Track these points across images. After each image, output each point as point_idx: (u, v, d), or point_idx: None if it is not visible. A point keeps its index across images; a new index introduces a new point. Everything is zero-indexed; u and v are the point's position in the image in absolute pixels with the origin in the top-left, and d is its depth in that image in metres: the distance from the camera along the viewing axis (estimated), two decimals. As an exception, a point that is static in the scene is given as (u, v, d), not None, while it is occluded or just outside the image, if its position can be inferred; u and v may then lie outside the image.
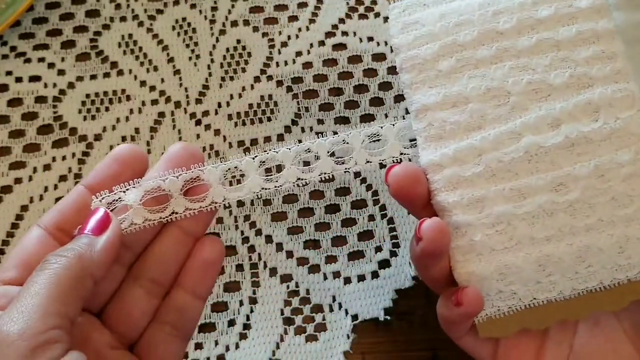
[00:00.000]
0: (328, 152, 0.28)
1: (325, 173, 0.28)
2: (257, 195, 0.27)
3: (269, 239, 0.37)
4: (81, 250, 0.23)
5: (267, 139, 0.39)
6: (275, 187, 0.27)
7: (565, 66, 0.27)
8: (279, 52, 0.41)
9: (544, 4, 0.28)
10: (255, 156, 0.28)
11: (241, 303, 0.36)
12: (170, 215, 0.26)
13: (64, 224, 0.25)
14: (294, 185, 0.28)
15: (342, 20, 0.42)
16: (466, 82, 0.27)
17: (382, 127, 0.29)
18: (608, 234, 0.26)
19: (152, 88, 0.40)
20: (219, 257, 0.27)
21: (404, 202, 0.28)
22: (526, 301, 0.26)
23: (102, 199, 0.26)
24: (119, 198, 0.26)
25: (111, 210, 0.25)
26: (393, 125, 0.29)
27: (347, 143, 0.28)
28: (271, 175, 0.27)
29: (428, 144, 0.28)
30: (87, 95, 0.39)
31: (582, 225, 0.26)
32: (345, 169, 0.28)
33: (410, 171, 0.27)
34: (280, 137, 0.39)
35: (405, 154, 0.29)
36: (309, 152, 0.28)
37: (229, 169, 0.27)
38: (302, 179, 0.28)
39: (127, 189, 0.26)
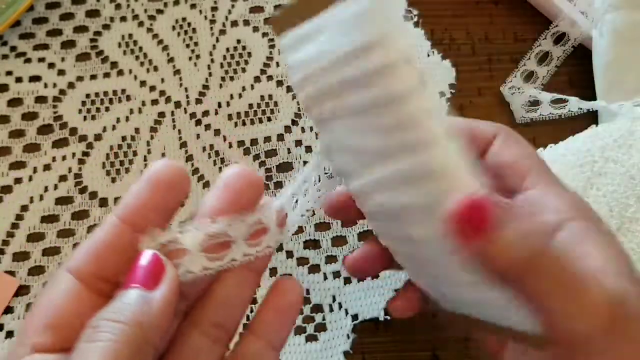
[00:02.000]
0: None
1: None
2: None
3: (269, 239, 0.37)
4: (138, 313, 0.19)
5: (267, 139, 0.39)
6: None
7: None
8: (279, 52, 0.41)
9: None
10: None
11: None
12: (228, 262, 0.22)
13: (102, 271, 0.21)
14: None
15: (342, 21, 0.42)
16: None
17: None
18: None
19: (152, 88, 0.40)
20: (298, 301, 0.24)
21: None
22: None
23: (154, 240, 0.21)
24: (175, 239, 0.21)
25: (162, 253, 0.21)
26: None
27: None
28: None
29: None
30: (87, 95, 0.39)
31: None
32: None
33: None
34: (280, 137, 0.39)
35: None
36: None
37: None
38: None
39: (184, 230, 0.21)
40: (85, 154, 0.38)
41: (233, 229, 0.22)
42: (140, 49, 0.40)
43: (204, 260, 0.21)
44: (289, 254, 0.37)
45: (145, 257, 0.20)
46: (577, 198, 0.24)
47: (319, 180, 0.26)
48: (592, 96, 0.40)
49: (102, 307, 0.20)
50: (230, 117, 0.39)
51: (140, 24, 0.41)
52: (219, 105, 0.40)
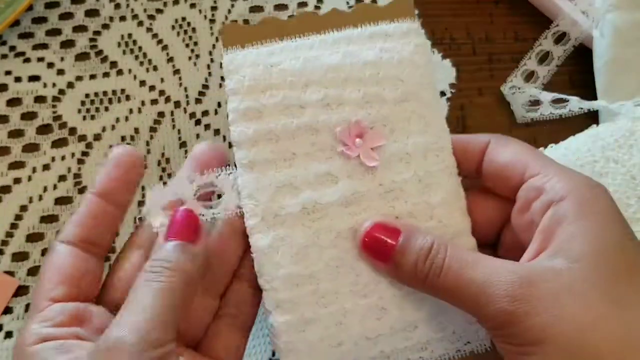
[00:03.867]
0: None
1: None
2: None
3: (268, 239, 0.37)
4: (184, 260, 0.24)
5: (267, 139, 0.39)
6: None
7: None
8: (279, 52, 0.41)
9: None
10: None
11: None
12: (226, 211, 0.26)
13: (89, 235, 0.26)
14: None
15: (342, 20, 0.42)
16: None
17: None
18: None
19: (152, 88, 0.40)
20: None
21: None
22: None
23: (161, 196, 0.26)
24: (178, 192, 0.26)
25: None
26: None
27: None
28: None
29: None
30: (87, 95, 0.39)
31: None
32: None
33: None
34: (280, 137, 0.39)
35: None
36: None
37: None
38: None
39: (187, 182, 0.26)
40: (85, 154, 0.38)
41: (219, 181, 0.26)
42: (140, 48, 0.40)
43: (200, 209, 0.26)
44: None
45: (182, 215, 0.25)
46: (579, 179, 0.25)
47: None
48: (592, 96, 0.40)
49: (95, 264, 0.26)
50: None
51: (140, 23, 0.41)
52: (219, 105, 0.40)
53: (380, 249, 0.26)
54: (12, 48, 0.39)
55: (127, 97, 0.39)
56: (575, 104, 0.39)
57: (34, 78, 0.39)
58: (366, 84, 0.28)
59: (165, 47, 0.40)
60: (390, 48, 0.28)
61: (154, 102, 0.39)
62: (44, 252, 0.36)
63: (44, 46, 0.40)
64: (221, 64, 0.28)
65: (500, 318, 0.22)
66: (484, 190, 0.29)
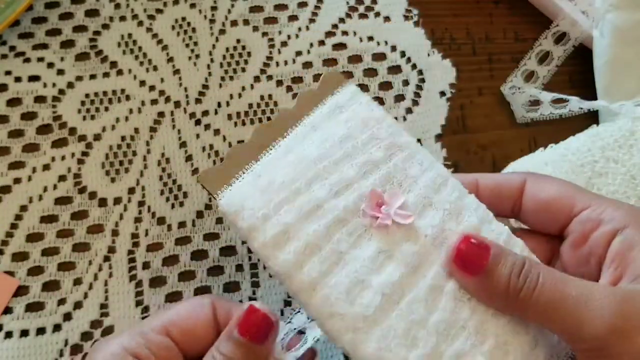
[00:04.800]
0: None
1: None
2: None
3: (268, 239, 0.37)
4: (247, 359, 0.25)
5: (267, 139, 0.39)
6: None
7: None
8: (279, 52, 0.41)
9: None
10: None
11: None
12: None
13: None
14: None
15: (342, 20, 0.42)
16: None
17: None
18: None
19: (152, 88, 0.39)
20: None
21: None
22: None
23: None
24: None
25: None
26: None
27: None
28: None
29: None
30: (87, 95, 0.39)
31: None
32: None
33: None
34: (280, 137, 0.39)
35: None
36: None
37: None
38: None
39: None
40: (85, 154, 0.38)
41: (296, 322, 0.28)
42: (140, 48, 0.40)
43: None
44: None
45: (259, 315, 0.25)
46: (632, 207, 0.26)
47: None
48: (592, 96, 0.40)
49: None
50: (230, 117, 0.39)
51: (140, 23, 0.41)
52: (219, 105, 0.40)
53: (473, 260, 0.25)
54: (12, 48, 0.39)
55: (127, 97, 0.39)
56: (575, 104, 0.39)
57: (34, 78, 0.39)
58: (354, 157, 0.28)
59: (165, 47, 0.40)
60: (350, 116, 0.29)
61: (154, 102, 0.39)
62: (44, 252, 0.36)
63: (44, 46, 0.40)
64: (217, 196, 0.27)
65: (602, 336, 0.22)
66: (524, 231, 0.29)
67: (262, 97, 0.40)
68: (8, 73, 0.39)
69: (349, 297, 0.25)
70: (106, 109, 0.39)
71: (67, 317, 0.35)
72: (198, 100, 0.39)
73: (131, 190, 0.37)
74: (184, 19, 0.41)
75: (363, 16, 0.42)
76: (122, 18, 0.41)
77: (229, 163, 0.27)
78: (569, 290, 0.23)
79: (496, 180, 0.29)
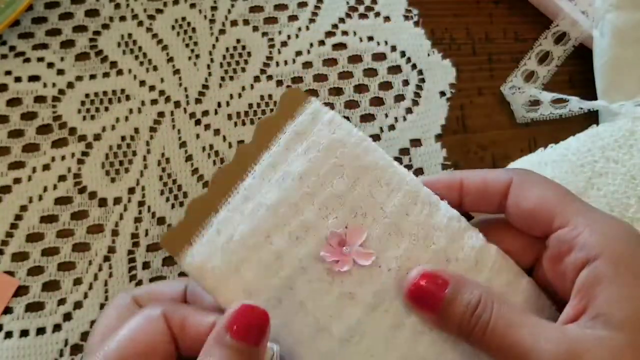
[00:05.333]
0: None
1: None
2: None
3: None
4: None
5: (267, 139, 0.39)
6: None
7: None
8: (279, 52, 0.41)
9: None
10: None
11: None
12: None
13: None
14: None
15: (342, 20, 0.42)
16: None
17: None
18: None
19: (152, 88, 0.39)
20: None
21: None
22: None
23: None
24: None
25: None
26: None
27: None
28: None
29: None
30: (87, 95, 0.39)
31: None
32: None
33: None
34: (280, 137, 0.39)
35: None
36: None
37: None
38: None
39: None
40: (85, 154, 0.38)
41: None
42: (140, 48, 0.40)
43: None
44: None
45: (256, 313, 0.24)
46: (610, 230, 0.25)
47: None
48: (592, 96, 0.40)
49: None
50: (230, 117, 0.39)
51: (140, 23, 0.41)
52: (219, 105, 0.40)
53: (428, 299, 0.25)
54: (12, 48, 0.39)
55: (127, 97, 0.39)
56: (575, 104, 0.39)
57: (34, 78, 0.39)
58: (315, 194, 0.27)
59: (165, 47, 0.40)
60: (311, 144, 0.27)
61: (154, 102, 0.39)
62: (44, 252, 0.36)
63: (44, 46, 0.40)
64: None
65: None
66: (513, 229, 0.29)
67: (262, 97, 0.40)
68: (8, 73, 0.39)
69: (311, 346, 0.25)
70: (106, 109, 0.39)
71: (67, 317, 0.35)
72: (198, 100, 0.39)
73: (131, 190, 0.37)
74: (184, 19, 0.41)
75: (363, 16, 0.42)
76: (122, 18, 0.41)
77: (190, 220, 0.26)
78: (520, 338, 0.23)
79: (482, 177, 0.28)
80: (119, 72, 0.40)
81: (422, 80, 0.41)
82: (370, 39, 0.42)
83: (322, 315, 0.25)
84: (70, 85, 0.39)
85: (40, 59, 0.39)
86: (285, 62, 0.41)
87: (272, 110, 0.40)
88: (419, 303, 0.25)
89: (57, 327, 0.34)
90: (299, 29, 0.42)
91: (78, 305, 0.35)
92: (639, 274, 0.23)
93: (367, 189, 0.27)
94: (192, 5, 0.41)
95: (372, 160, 0.28)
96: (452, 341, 0.26)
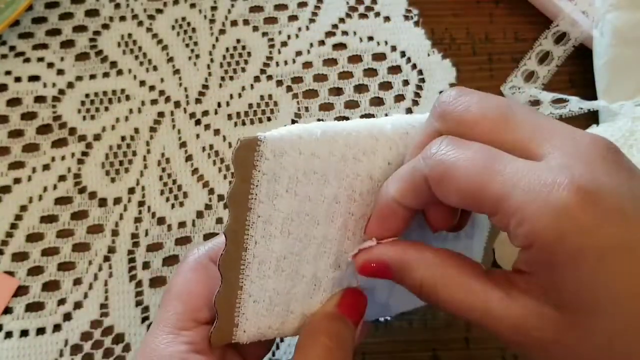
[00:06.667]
0: None
1: None
2: None
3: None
4: (346, 337, 0.25)
5: (267, 139, 0.39)
6: None
7: None
8: (279, 52, 0.41)
9: None
10: None
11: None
12: None
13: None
14: None
15: (342, 20, 0.42)
16: None
17: None
18: None
19: (152, 88, 0.39)
20: None
21: None
22: None
23: None
24: None
25: None
26: None
27: None
28: None
29: None
30: (87, 95, 0.39)
31: None
32: None
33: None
34: (280, 137, 0.39)
35: None
36: None
37: None
38: None
39: None
40: (85, 154, 0.38)
41: None
42: (140, 48, 0.40)
43: None
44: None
45: (359, 296, 0.26)
46: (536, 207, 0.19)
47: None
48: (592, 96, 0.40)
49: None
50: (230, 117, 0.39)
51: (140, 23, 0.41)
52: (219, 105, 0.40)
53: (380, 275, 0.25)
54: (12, 48, 0.39)
55: (127, 97, 0.39)
56: (575, 104, 0.39)
57: (34, 78, 0.39)
58: (308, 236, 0.26)
59: (165, 47, 0.40)
60: (287, 181, 0.25)
61: (154, 102, 0.39)
62: (44, 252, 0.36)
63: (44, 46, 0.40)
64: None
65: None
66: None
67: (262, 97, 0.40)
68: (8, 73, 0.39)
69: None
70: (106, 109, 0.39)
71: (67, 317, 0.35)
72: (198, 100, 0.39)
73: (131, 190, 0.37)
74: (184, 19, 0.41)
75: (363, 16, 0.42)
76: (122, 18, 0.41)
77: (222, 313, 0.25)
78: (471, 305, 0.22)
79: (417, 139, 0.25)
80: (119, 72, 0.40)
81: (422, 80, 0.41)
82: (370, 39, 0.42)
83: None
84: (70, 85, 0.39)
85: (40, 59, 0.39)
86: (285, 62, 0.41)
87: (271, 110, 0.40)
88: (374, 277, 0.25)
89: (57, 327, 0.34)
90: (299, 29, 0.42)
91: (78, 305, 0.35)
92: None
93: (352, 173, 0.25)
94: (192, 5, 0.41)
95: (320, 166, 0.25)
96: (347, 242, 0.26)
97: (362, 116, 0.40)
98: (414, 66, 0.42)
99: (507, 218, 0.20)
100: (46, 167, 0.37)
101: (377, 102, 0.40)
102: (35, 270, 0.35)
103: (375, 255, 0.24)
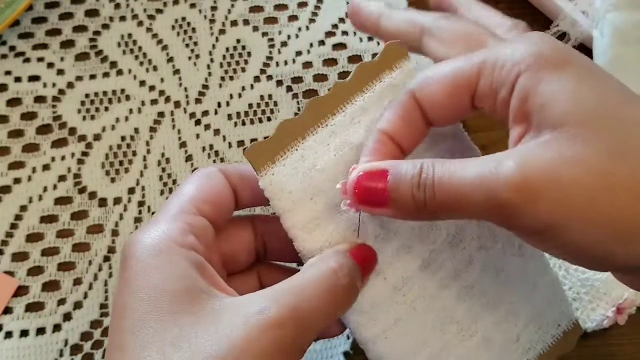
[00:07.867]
0: None
1: None
2: None
3: (268, 239, 0.37)
4: (352, 273, 0.25)
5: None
6: None
7: None
8: (279, 52, 0.41)
9: None
10: None
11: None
12: None
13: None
14: None
15: (342, 20, 0.42)
16: None
17: None
18: None
19: (152, 88, 0.40)
20: None
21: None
22: None
23: None
24: None
25: None
26: None
27: None
28: None
29: None
30: (87, 95, 0.39)
31: None
32: None
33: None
34: (280, 137, 0.39)
35: None
36: None
37: None
38: None
39: None
40: (85, 154, 0.38)
41: None
42: (140, 48, 0.40)
43: None
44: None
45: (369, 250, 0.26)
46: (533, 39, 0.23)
47: None
48: (592, 96, 0.40)
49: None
50: (230, 117, 0.39)
51: (140, 23, 0.41)
52: (219, 105, 0.40)
53: (375, 197, 0.24)
54: (12, 48, 0.39)
55: (127, 97, 0.39)
56: (575, 104, 0.39)
57: (33, 78, 0.39)
58: None
59: (165, 47, 0.40)
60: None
61: (154, 102, 0.39)
62: (44, 252, 0.36)
63: (43, 46, 0.40)
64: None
65: (504, 209, 0.20)
66: None
67: (262, 97, 0.40)
68: (8, 73, 0.39)
69: (368, 284, 0.26)
70: (106, 109, 0.39)
71: (67, 317, 0.35)
72: (198, 100, 0.39)
73: (131, 190, 0.37)
74: (184, 19, 0.41)
75: (363, 16, 0.42)
76: (122, 18, 0.41)
77: (276, 139, 0.26)
78: (466, 176, 0.21)
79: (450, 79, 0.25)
80: (119, 72, 0.40)
81: (422, 80, 0.41)
82: (370, 39, 0.42)
83: (381, 260, 0.26)
84: (70, 85, 0.39)
85: (40, 59, 0.39)
86: (285, 62, 0.41)
87: (271, 110, 0.40)
88: (369, 204, 0.24)
89: (57, 327, 0.34)
90: (299, 29, 0.42)
91: (78, 305, 0.35)
92: (580, 70, 0.23)
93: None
94: (192, 5, 0.41)
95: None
96: (490, 306, 0.27)
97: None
98: (414, 66, 0.42)
99: (490, 72, 0.24)
100: (46, 167, 0.37)
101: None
102: (35, 270, 0.35)
103: (369, 165, 0.24)
